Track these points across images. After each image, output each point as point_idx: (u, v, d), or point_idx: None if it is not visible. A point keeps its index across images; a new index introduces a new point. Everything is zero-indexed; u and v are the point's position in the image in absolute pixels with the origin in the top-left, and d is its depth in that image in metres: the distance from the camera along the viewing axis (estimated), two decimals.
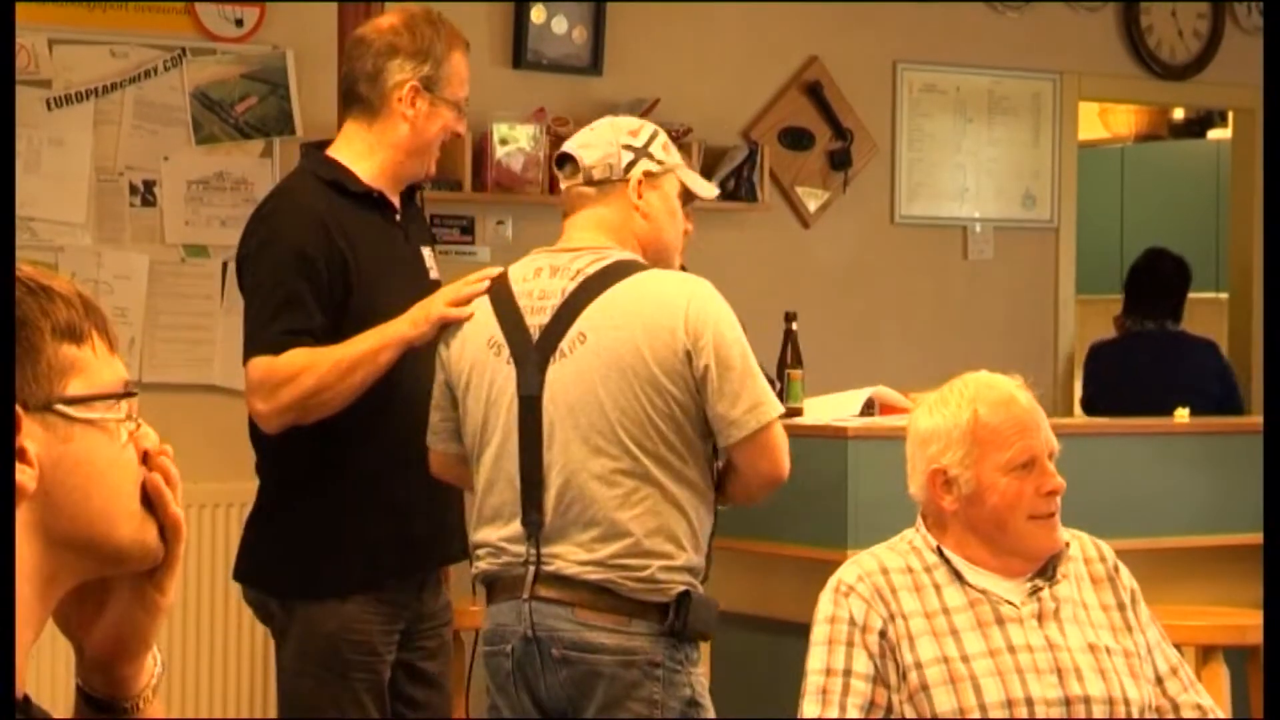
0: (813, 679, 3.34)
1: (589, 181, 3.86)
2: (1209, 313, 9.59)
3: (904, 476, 3.50)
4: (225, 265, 6.18)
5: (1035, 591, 3.41)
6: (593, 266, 3.79)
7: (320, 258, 4.04)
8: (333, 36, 5.67)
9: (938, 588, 3.39)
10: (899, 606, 3.36)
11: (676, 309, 3.72)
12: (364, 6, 4.73)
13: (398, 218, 4.22)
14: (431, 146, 4.21)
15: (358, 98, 4.21)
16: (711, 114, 7.05)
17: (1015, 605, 3.39)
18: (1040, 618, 3.39)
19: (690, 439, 3.74)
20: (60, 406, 1.61)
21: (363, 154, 4.18)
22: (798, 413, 5.17)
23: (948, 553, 3.42)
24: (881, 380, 5.38)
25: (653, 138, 3.90)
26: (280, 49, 6.35)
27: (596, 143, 3.89)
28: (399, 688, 4.23)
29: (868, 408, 5.22)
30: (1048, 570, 3.44)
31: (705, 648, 4.13)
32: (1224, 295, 8.60)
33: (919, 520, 3.49)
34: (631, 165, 3.85)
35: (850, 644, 3.33)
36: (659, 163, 3.88)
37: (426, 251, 4.30)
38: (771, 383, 3.91)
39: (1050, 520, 3.42)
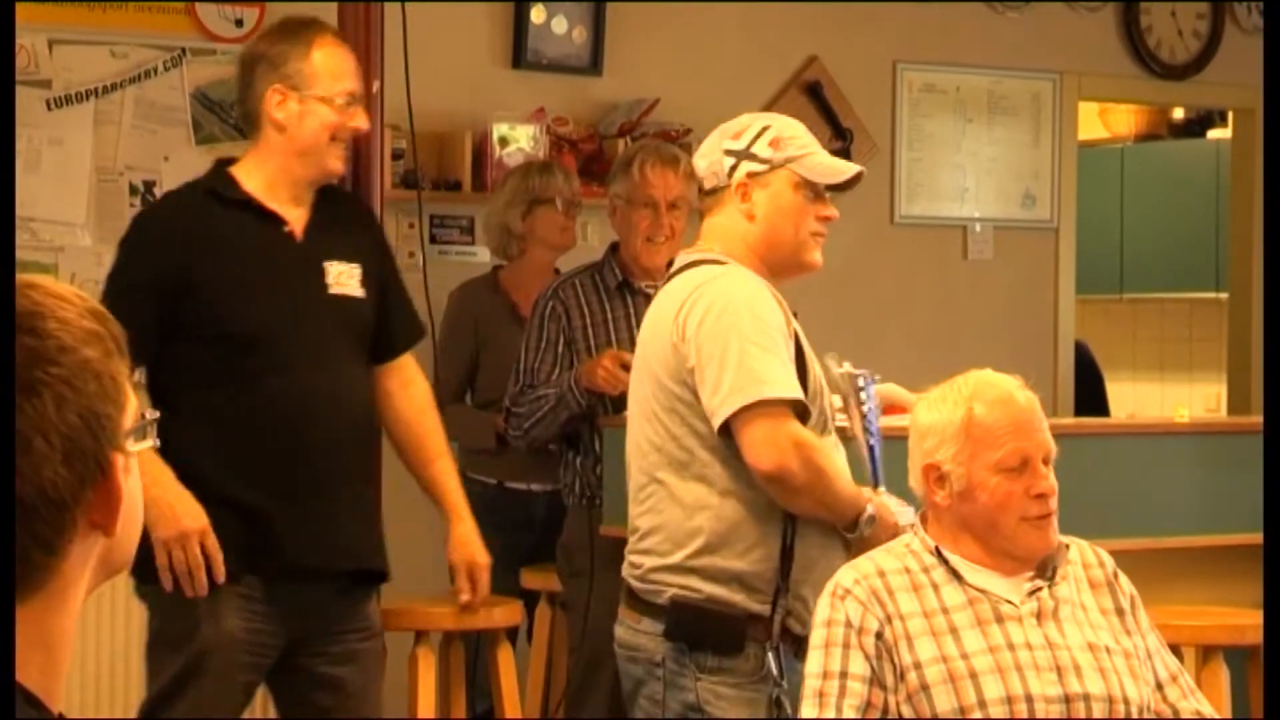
0: (810, 682, 3.34)
1: (703, 191, 3.91)
2: (1209, 313, 9.59)
3: (904, 476, 3.52)
4: None
5: (1034, 591, 3.41)
6: (676, 266, 3.89)
7: (155, 282, 4.10)
8: None
9: (936, 587, 3.39)
10: (896, 608, 3.36)
11: (674, 307, 3.76)
12: (364, 7, 4.72)
13: (286, 229, 4.19)
14: (317, 146, 4.18)
15: (242, 115, 4.30)
16: (711, 114, 6.92)
17: (1014, 604, 3.39)
18: (1039, 617, 3.39)
19: (703, 434, 3.72)
20: (127, 443, 1.54)
21: (252, 168, 4.21)
22: None
23: (946, 553, 3.42)
24: (881, 380, 5.36)
25: (759, 135, 3.85)
26: None
27: (706, 151, 3.91)
28: (304, 694, 4.29)
29: None
30: (1047, 570, 3.44)
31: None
32: (1223, 295, 8.60)
33: (916, 523, 3.50)
34: (734, 169, 3.84)
35: (846, 646, 3.33)
36: (764, 161, 3.82)
37: (338, 266, 4.24)
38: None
39: (1043, 522, 3.41)
